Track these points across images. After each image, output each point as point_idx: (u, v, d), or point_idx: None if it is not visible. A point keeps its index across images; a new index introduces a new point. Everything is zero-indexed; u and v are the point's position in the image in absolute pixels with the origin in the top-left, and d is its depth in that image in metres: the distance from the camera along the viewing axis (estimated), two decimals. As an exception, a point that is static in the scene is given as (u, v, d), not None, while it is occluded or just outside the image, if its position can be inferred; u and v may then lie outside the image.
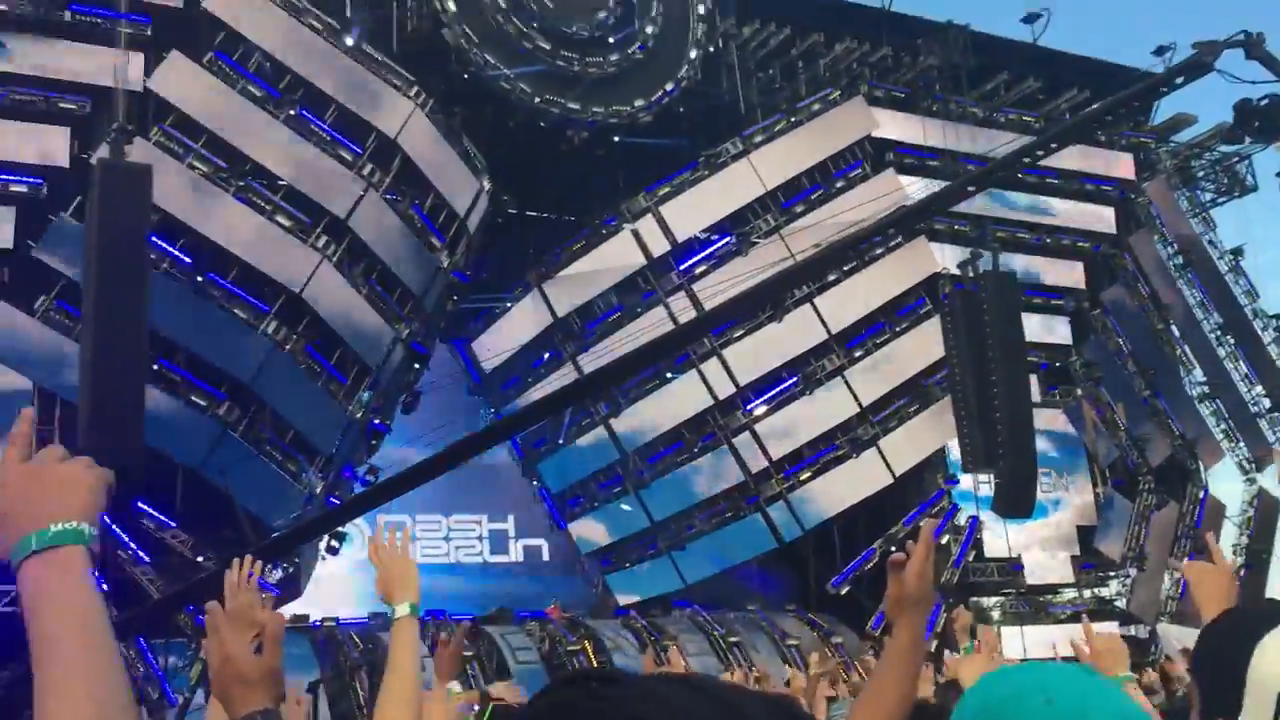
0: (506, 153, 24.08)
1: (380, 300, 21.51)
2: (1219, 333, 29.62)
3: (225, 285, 19.66)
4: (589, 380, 22.68)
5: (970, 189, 18.13)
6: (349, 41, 21.34)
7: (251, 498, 19.03)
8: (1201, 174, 31.81)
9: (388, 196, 21.37)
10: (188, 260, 19.37)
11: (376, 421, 22.32)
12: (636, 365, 22.10)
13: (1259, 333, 29.52)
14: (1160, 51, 30.08)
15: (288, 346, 20.07)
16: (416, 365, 23.09)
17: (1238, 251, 30.08)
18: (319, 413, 20.66)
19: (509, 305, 26.06)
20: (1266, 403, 29.31)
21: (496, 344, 26.25)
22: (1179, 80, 15.72)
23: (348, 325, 20.91)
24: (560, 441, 26.42)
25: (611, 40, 24.02)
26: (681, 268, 24.97)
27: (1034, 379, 25.69)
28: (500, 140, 23.89)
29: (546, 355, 25.96)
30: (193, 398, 19.13)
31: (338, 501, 20.53)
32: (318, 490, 20.47)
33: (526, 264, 25.58)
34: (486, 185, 23.42)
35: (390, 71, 21.79)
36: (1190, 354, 30.12)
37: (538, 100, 23.14)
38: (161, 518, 18.96)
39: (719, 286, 24.41)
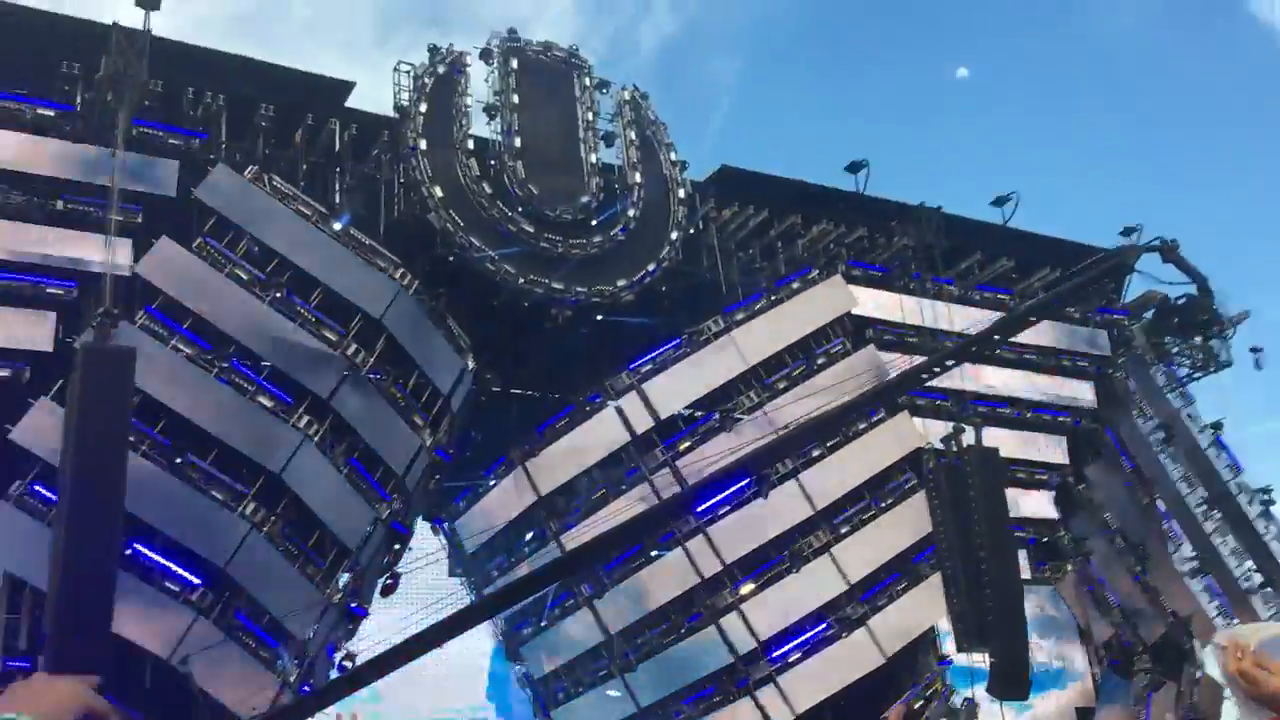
0: (490, 332, 24.33)
1: (361, 480, 21.30)
2: (1205, 508, 29.53)
3: (204, 466, 19.45)
4: (570, 557, 22.36)
5: (945, 366, 18.41)
6: (337, 226, 21.79)
7: (223, 686, 18.36)
8: (1176, 350, 32.31)
9: (371, 376, 21.43)
10: (166, 441, 19.21)
11: (354, 605, 21.77)
12: (620, 541, 21.87)
13: (1244, 507, 29.45)
14: (1128, 232, 31.09)
15: (265, 528, 19.73)
16: (397, 546, 22.69)
17: (1217, 425, 30.30)
18: (296, 596, 20.15)
19: (492, 483, 25.84)
20: (1258, 578, 28.98)
21: (479, 523, 25.91)
22: (1105, 280, 16.64)
23: (327, 506, 20.64)
24: (543, 624, 25.79)
25: (594, 223, 24.64)
26: (665, 444, 24.92)
27: (1022, 555, 25.44)
28: (484, 320, 24.16)
29: (530, 534, 25.60)
30: (167, 584, 18.68)
31: (310, 689, 19.81)
32: (292, 678, 19.78)
33: (510, 442, 25.50)
34: (470, 364, 23.56)
35: (376, 254, 22.19)
36: (1178, 529, 29.94)
37: (521, 281, 23.53)
38: (127, 709, 18.20)
39: (703, 463, 24.39)
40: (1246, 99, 65.58)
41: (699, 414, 25.38)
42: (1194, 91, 67.59)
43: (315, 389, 20.63)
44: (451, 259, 23.44)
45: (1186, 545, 29.67)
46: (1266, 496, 29.74)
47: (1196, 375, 32.45)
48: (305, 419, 20.45)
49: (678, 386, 25.11)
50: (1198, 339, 31.67)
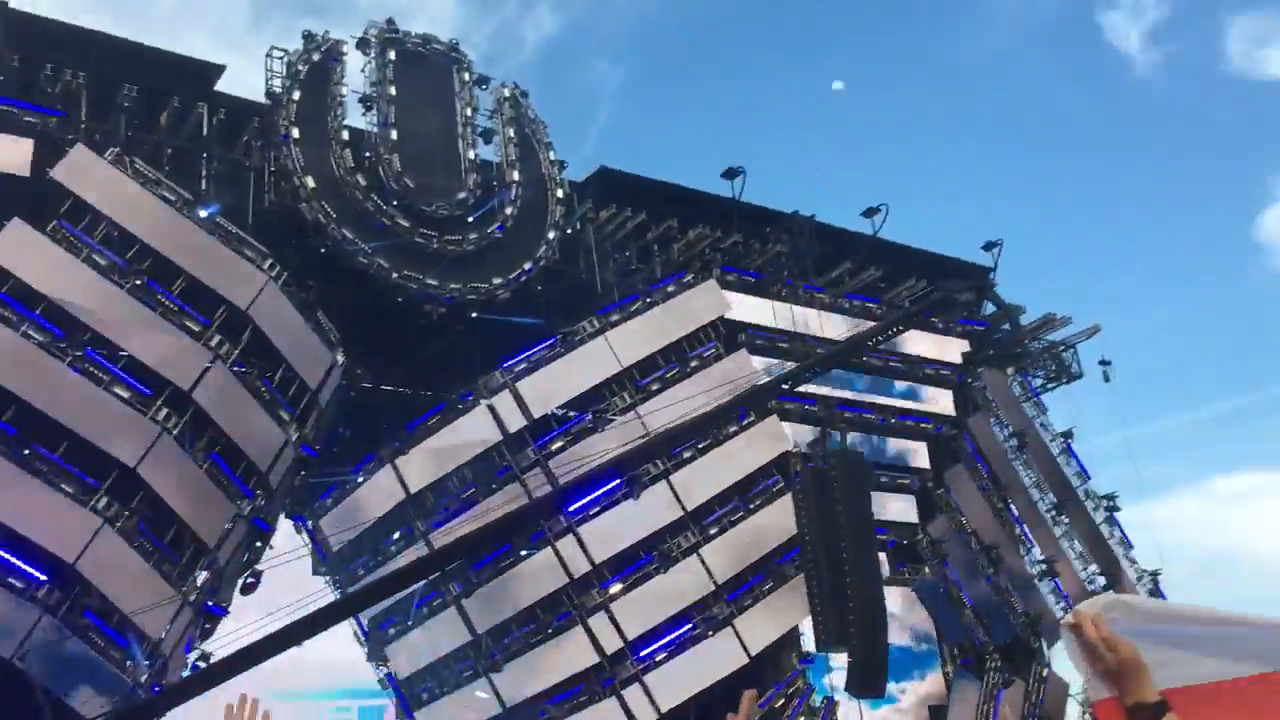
0: (362, 327, 23.92)
1: (222, 475, 20.70)
2: (1054, 512, 30.82)
3: (53, 459, 18.65)
4: (437, 555, 22.14)
5: (799, 379, 19.02)
6: (203, 214, 21.14)
7: (69, 686, 17.63)
8: (1031, 361, 33.69)
9: (235, 368, 20.85)
10: (13, 431, 18.37)
11: (212, 603, 21.15)
12: (488, 539, 21.76)
13: (1091, 513, 30.85)
14: (989, 246, 32.32)
15: (119, 524, 19.02)
16: (259, 543, 22.13)
17: (1068, 434, 31.68)
18: (150, 594, 19.46)
19: (360, 481, 25.40)
20: (1101, 581, 30.37)
21: (346, 521, 25.43)
22: (928, 315, 18.30)
23: (185, 501, 19.99)
24: (409, 623, 25.47)
25: (471, 219, 24.47)
26: (538, 444, 24.87)
27: (883, 557, 26.15)
28: (356, 314, 23.76)
29: (398, 533, 25.24)
30: (10, 580, 17.85)
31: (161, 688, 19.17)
32: (143, 677, 19.11)
33: (380, 439, 25.11)
34: (340, 359, 23.11)
35: (244, 244, 21.58)
36: (1028, 533, 31.18)
37: (395, 276, 23.21)
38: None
39: (575, 463, 24.43)
40: (1103, 122, 68.75)
41: (572, 414, 25.39)
42: (1055, 113, 70.56)
43: (175, 380, 19.97)
44: (323, 251, 22.99)
45: (1036, 549, 30.93)
46: (1111, 503, 31.18)
47: (1050, 386, 33.90)
48: (164, 411, 19.77)
49: (551, 386, 25.08)
50: (1047, 351, 33.10)
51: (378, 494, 25.04)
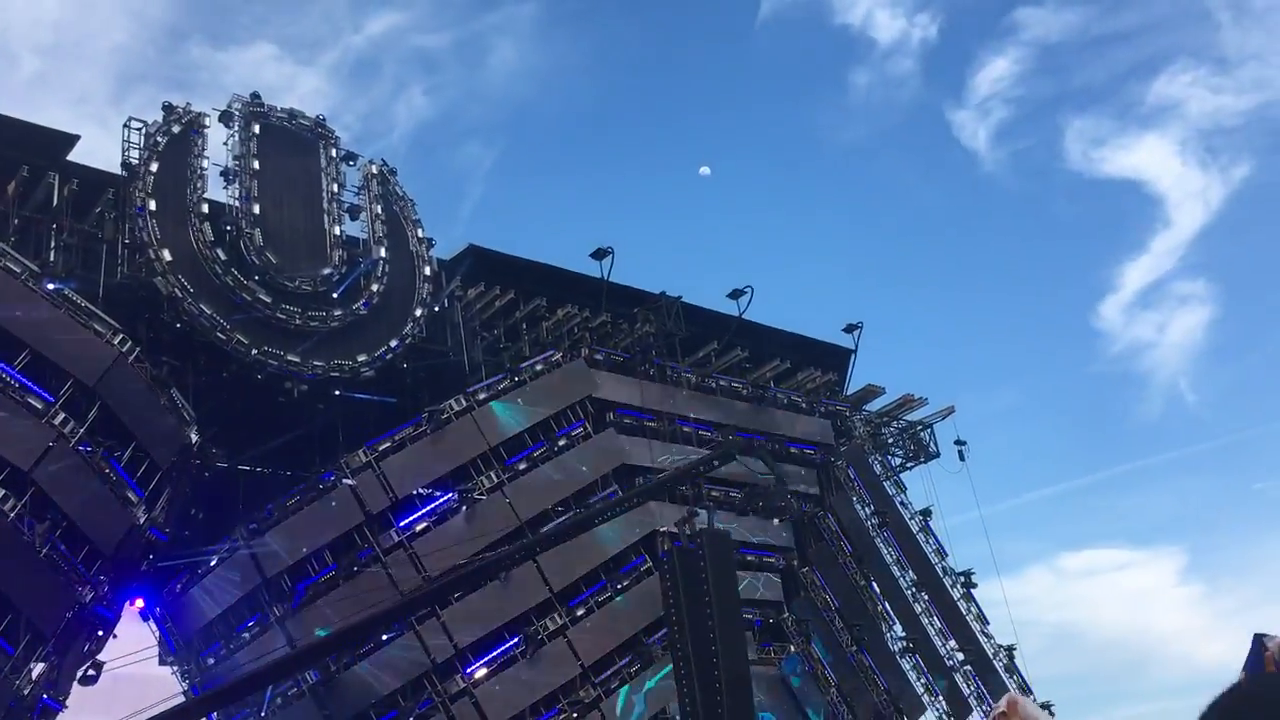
0: (219, 404, 23.15)
1: (63, 560, 19.60)
2: (914, 589, 31.46)
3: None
4: (297, 658, 21.32)
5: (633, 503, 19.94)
6: (50, 286, 20.29)
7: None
8: (891, 440, 34.62)
9: (80, 448, 19.89)
10: None
11: (49, 697, 19.86)
12: (355, 638, 21.16)
13: (948, 589, 31.59)
14: (850, 329, 33.23)
15: (-55, 614, 17.79)
16: (100, 632, 20.93)
17: (926, 513, 32.54)
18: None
19: (213, 564, 24.37)
20: (960, 656, 31.02)
21: (197, 608, 24.32)
22: (716, 463, 19.75)
23: (21, 588, 18.84)
24: (263, 714, 24.34)
25: (335, 295, 24.08)
26: (401, 524, 24.32)
27: (749, 636, 26.20)
28: (213, 392, 23.00)
29: (252, 620, 24.22)
30: None
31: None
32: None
33: (236, 520, 24.19)
34: (194, 437, 22.28)
35: (93, 318, 20.75)
36: (890, 610, 31.71)
37: (255, 352, 22.61)
38: None
39: (440, 546, 23.96)
40: (955, 214, 72.02)
41: (437, 494, 24.95)
42: (910, 204, 73.66)
43: (13, 461, 18.93)
44: (179, 326, 22.27)
45: (898, 625, 31.46)
46: (967, 579, 32.00)
47: (909, 465, 34.83)
48: (1, 493, 18.69)
49: (417, 465, 24.64)
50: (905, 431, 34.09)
51: (231, 578, 24.05)
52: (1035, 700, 30.32)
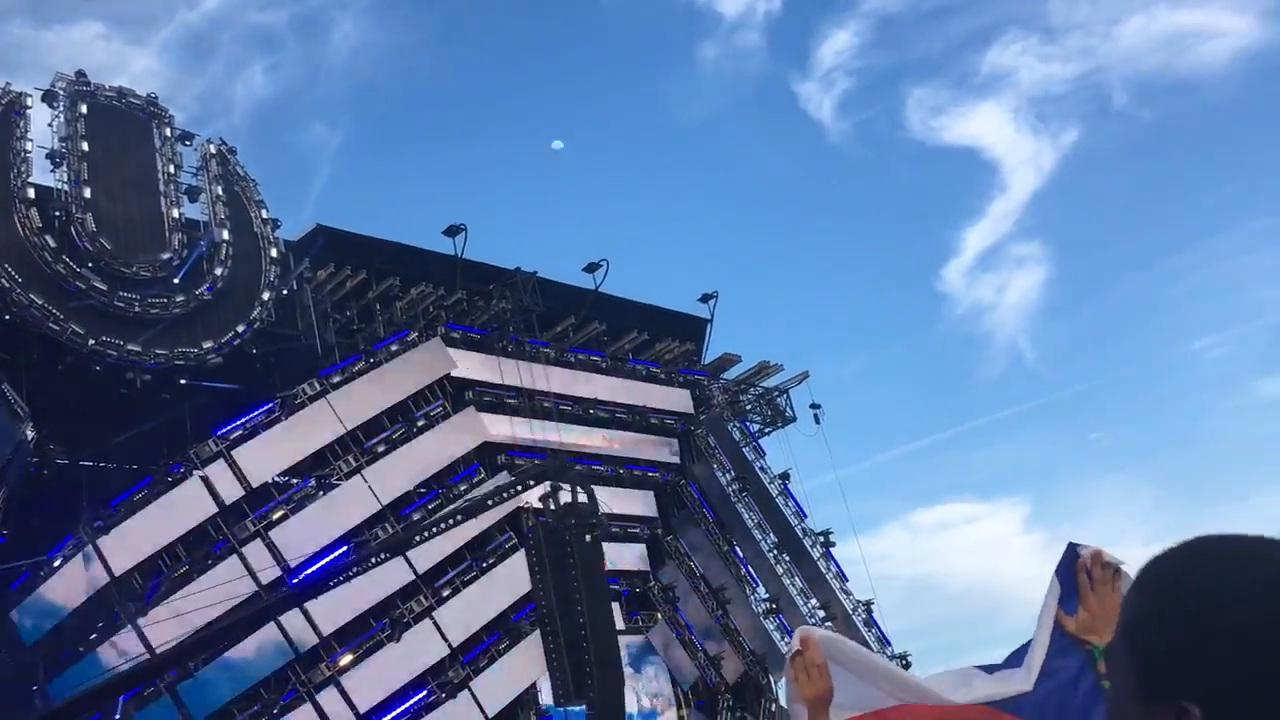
0: (56, 398, 22.10)
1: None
2: (775, 552, 32.23)
3: None
4: (160, 663, 20.67)
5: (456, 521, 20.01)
6: None
7: None
8: (749, 407, 35.29)
9: (-96, 450, 18.77)
10: None
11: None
12: (216, 643, 20.66)
13: (808, 549, 32.47)
14: (705, 299, 33.69)
15: None
16: (-65, 643, 19.86)
17: (785, 476, 33.30)
18: None
19: (56, 565, 23.28)
20: (821, 614, 31.94)
21: (41, 610, 23.22)
22: (531, 483, 20.19)
23: None
24: (116, 716, 23.45)
25: (176, 281, 23.21)
26: (257, 514, 23.69)
27: (616, 606, 26.47)
28: (49, 385, 21.94)
29: (101, 623, 23.26)
30: None
31: None
32: None
33: (79, 518, 23.15)
34: (30, 434, 21.22)
35: (-87, 311, 19.57)
36: (753, 573, 32.43)
37: (92, 342, 21.65)
38: None
39: (299, 533, 23.47)
40: (803, 183, 73.41)
41: (294, 481, 24.39)
42: (760, 174, 74.76)
43: None
44: (8, 318, 21.15)
45: (761, 588, 32.21)
46: (826, 540, 32.92)
47: (767, 430, 35.57)
48: None
49: (271, 453, 24.01)
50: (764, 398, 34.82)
51: (76, 579, 23.03)
52: (893, 653, 31.50)
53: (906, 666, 30.59)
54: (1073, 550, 2.78)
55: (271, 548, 23.41)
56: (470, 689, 24.81)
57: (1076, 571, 2.66)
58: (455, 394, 27.36)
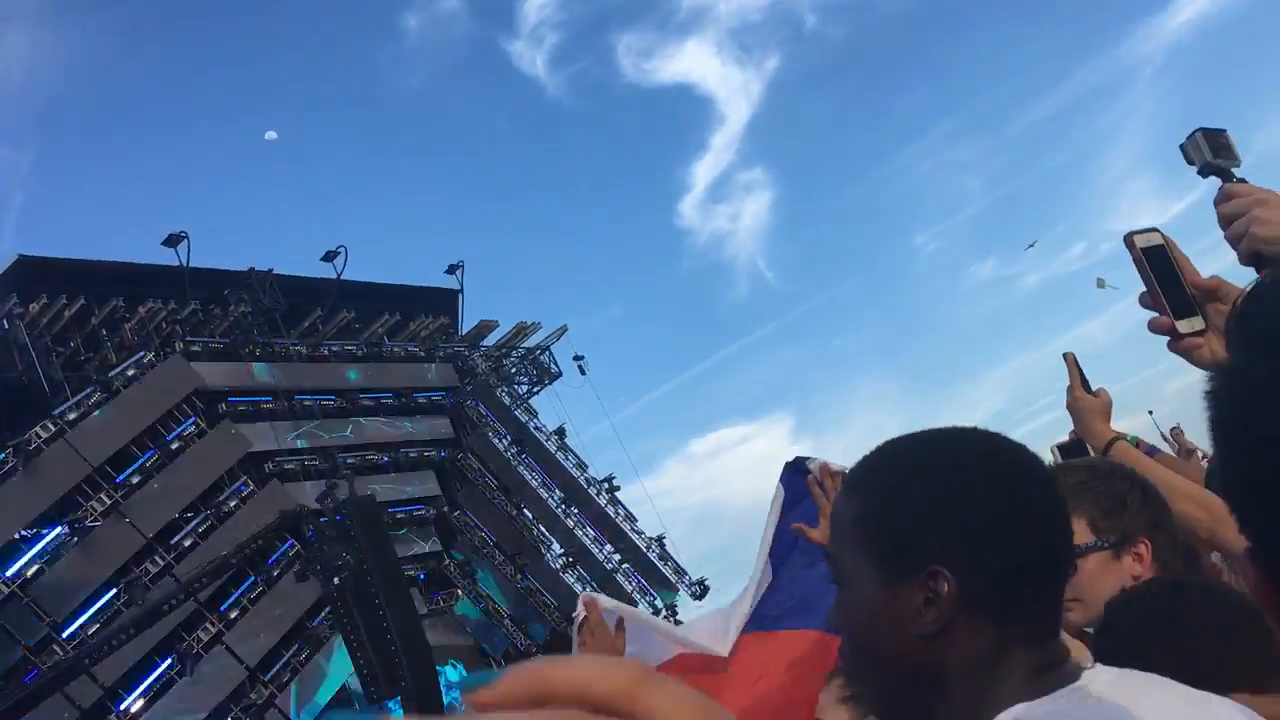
0: None
1: None
2: (564, 506, 32.58)
3: None
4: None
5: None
6: None
7: None
8: (514, 370, 35.28)
9: None
10: None
11: None
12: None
13: (595, 498, 32.98)
14: (452, 269, 33.35)
15: None
16: None
17: (561, 432, 33.62)
18: None
19: None
20: (617, 558, 32.60)
21: None
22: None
23: None
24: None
25: None
26: (9, 574, 21.92)
27: (416, 592, 26.13)
28: None
29: None
30: None
31: None
32: None
33: None
34: None
35: None
36: (545, 531, 32.69)
37: None
38: None
39: (60, 585, 21.98)
40: (528, 143, 73.28)
41: (44, 531, 22.70)
42: (486, 139, 74.07)
43: None
44: None
45: (556, 544, 32.53)
46: (610, 485, 33.52)
47: (536, 390, 35.70)
48: None
49: (12, 505, 22.20)
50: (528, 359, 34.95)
51: None
52: (691, 579, 32.56)
53: (705, 591, 31.78)
54: (800, 463, 2.96)
55: (32, 606, 21.75)
56: (276, 706, 24.00)
57: (809, 485, 2.84)
58: (208, 409, 26.06)
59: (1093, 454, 2.83)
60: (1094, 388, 2.77)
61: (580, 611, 2.95)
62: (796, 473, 2.99)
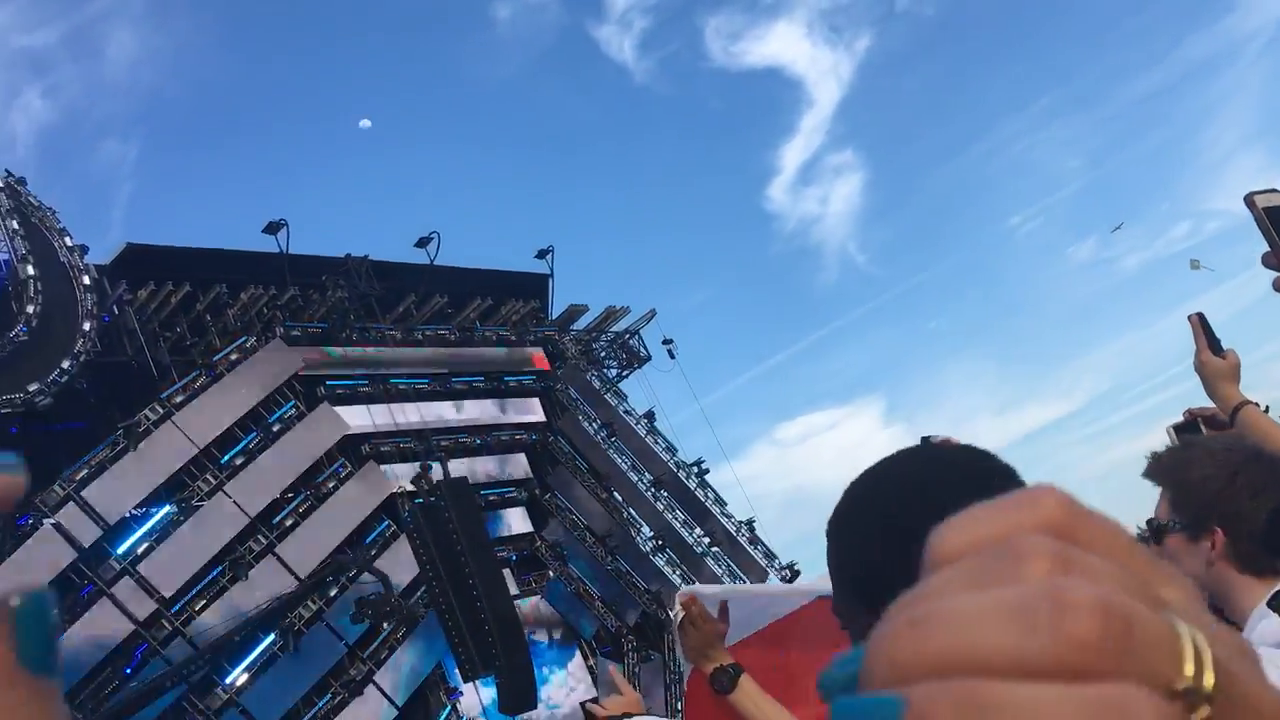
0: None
1: None
2: (653, 490, 32.71)
3: None
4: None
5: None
6: None
7: None
8: (604, 354, 35.47)
9: None
10: None
11: None
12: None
13: (685, 481, 33.05)
14: (542, 255, 33.62)
15: None
16: None
17: (650, 415, 33.74)
18: None
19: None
20: (707, 541, 32.64)
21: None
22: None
23: None
24: None
25: (-13, 327, 21.91)
26: (120, 551, 22.78)
27: (508, 573, 26.51)
28: None
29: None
30: None
31: None
32: None
33: (-74, 592, 21.87)
34: None
35: None
36: (635, 514, 32.86)
37: (-94, 405, 20.33)
38: None
39: (168, 562, 22.75)
40: (617, 128, 73.50)
41: (153, 510, 23.51)
42: (575, 126, 74.47)
43: None
44: None
45: (646, 527, 32.69)
46: (700, 469, 33.56)
47: (625, 373, 35.86)
48: None
49: (123, 486, 23.04)
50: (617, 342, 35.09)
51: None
52: (781, 563, 32.47)
53: (795, 575, 31.64)
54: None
55: (142, 582, 22.58)
56: (375, 682, 24.56)
57: None
58: (306, 392, 26.71)
59: (1213, 425, 2.75)
60: (1223, 348, 2.68)
61: (678, 610, 2.97)
62: None
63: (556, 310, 34.91)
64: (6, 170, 24.18)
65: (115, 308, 24.86)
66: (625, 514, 32.83)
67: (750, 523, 33.35)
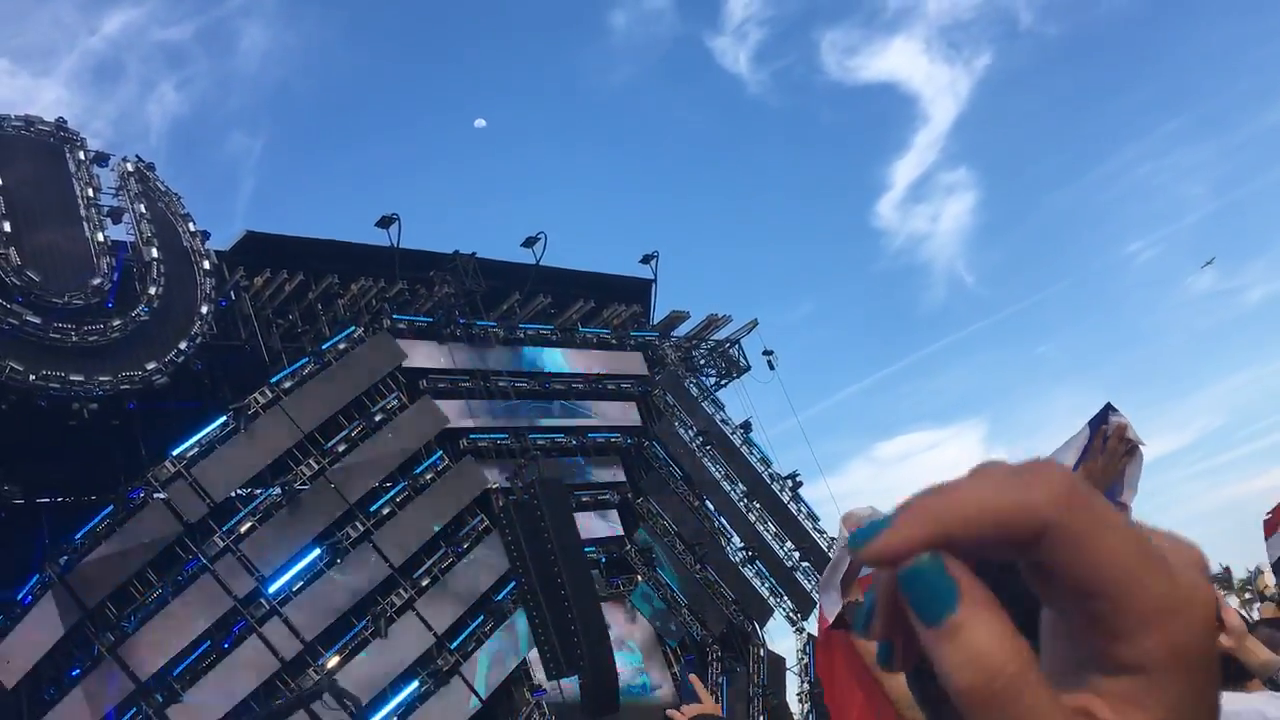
0: (3, 437, 21.69)
1: None
2: (746, 500, 32.53)
3: None
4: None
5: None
6: None
7: None
8: (703, 361, 35.44)
9: None
10: None
11: None
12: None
13: (778, 494, 32.81)
14: (646, 260, 33.72)
15: None
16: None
17: (747, 425, 33.59)
18: None
19: (27, 605, 22.96)
20: (797, 555, 32.34)
21: (16, 655, 22.91)
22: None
23: None
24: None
25: (110, 305, 22.81)
26: (224, 529, 23.49)
27: (596, 574, 26.62)
28: (-7, 426, 21.53)
29: (81, 657, 22.99)
30: None
31: None
32: None
33: (43, 556, 22.82)
34: (-19, 478, 20.87)
35: None
36: (727, 524, 32.73)
37: (33, 378, 21.25)
38: None
39: (269, 543, 23.38)
40: (728, 138, 73.45)
41: (257, 491, 24.20)
42: (685, 134, 74.69)
43: None
44: (-58, 363, 20.70)
45: (736, 537, 32.52)
46: (794, 482, 33.28)
47: (724, 382, 35.77)
48: None
49: (230, 466, 23.77)
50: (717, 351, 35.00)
51: (49, 617, 22.73)
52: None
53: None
54: (1107, 409, 2.89)
55: (243, 560, 23.24)
56: (461, 674, 24.88)
57: (1097, 434, 2.77)
58: (409, 384, 27.22)
59: None
60: None
61: (842, 531, 2.94)
62: (1101, 417, 2.93)
63: (658, 316, 35.01)
64: (137, 156, 25.18)
65: (232, 293, 25.68)
66: (716, 523, 32.72)
67: (842, 540, 32.89)
